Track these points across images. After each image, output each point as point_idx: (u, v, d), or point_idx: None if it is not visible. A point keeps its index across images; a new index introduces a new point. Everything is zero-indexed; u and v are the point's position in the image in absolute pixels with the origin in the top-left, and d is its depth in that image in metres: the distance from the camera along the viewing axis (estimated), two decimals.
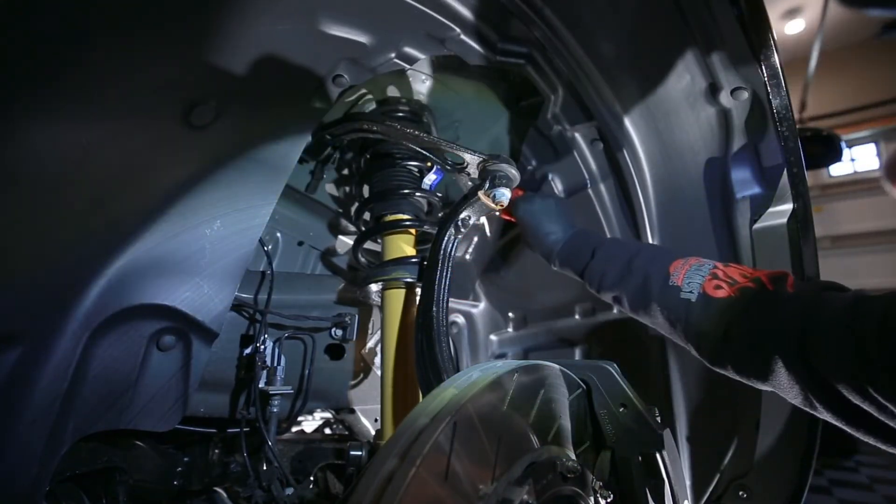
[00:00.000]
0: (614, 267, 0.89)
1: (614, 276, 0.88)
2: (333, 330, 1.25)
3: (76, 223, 0.72)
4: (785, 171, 0.87)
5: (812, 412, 0.66)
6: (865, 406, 0.57)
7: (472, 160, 0.93)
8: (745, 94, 0.86)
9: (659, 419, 0.61)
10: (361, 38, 0.84)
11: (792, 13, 5.52)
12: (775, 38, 0.79)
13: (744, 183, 0.93)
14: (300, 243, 1.30)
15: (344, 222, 1.34)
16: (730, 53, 0.83)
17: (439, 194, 1.20)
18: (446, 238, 0.94)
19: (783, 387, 0.67)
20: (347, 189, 1.33)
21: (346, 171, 1.31)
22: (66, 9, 0.58)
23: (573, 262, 0.96)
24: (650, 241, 1.08)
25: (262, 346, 1.11)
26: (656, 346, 1.12)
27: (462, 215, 0.96)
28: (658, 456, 0.58)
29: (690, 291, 0.77)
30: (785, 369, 0.65)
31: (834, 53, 5.90)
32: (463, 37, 0.91)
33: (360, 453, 0.92)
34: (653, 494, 0.58)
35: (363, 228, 1.19)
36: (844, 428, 0.63)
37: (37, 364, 0.71)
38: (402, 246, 1.08)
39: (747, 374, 0.72)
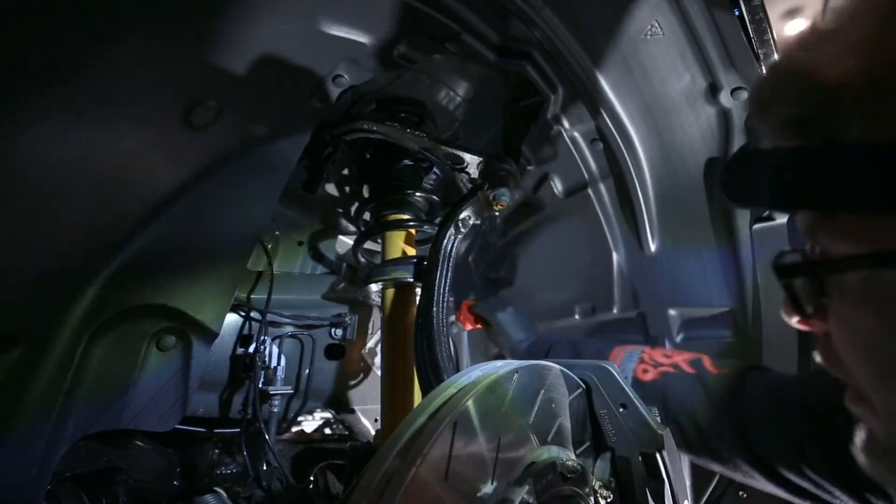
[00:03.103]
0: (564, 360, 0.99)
1: None
2: (333, 330, 1.25)
3: (76, 223, 0.72)
4: None
5: (760, 488, 0.73)
6: (803, 483, 0.64)
7: (471, 160, 0.93)
8: (745, 94, 0.85)
9: (659, 419, 0.61)
10: (361, 38, 0.84)
11: (792, 13, 5.53)
12: (775, 38, 0.79)
13: None
14: (300, 243, 1.30)
15: (344, 222, 1.33)
16: (730, 53, 0.83)
17: (439, 194, 1.20)
18: (446, 238, 0.94)
19: (727, 462, 0.74)
20: (347, 189, 1.33)
21: (346, 171, 1.31)
22: (68, 10, 0.58)
23: None
24: (650, 242, 1.08)
25: (262, 346, 1.11)
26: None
27: (462, 215, 0.96)
28: (658, 456, 0.58)
29: (626, 377, 0.84)
30: (727, 451, 0.72)
31: None
32: (463, 37, 0.91)
33: (359, 454, 0.92)
34: (653, 495, 0.58)
35: (363, 228, 1.19)
36: (790, 499, 0.69)
37: (37, 364, 0.71)
38: (402, 246, 1.08)
39: (696, 452, 0.79)
